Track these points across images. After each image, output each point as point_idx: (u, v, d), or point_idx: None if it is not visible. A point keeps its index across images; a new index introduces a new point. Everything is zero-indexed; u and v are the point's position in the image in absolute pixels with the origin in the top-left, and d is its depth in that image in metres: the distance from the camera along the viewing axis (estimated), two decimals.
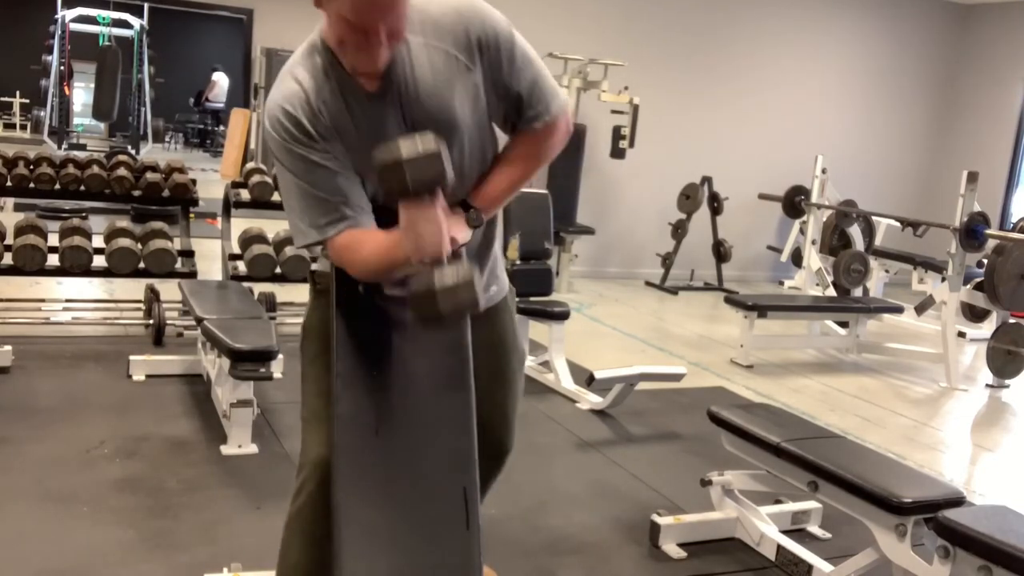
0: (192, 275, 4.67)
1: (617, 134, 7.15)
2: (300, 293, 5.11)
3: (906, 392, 5.30)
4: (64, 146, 11.55)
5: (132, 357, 4.13)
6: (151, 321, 4.70)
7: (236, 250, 4.95)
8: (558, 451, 3.76)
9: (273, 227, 4.97)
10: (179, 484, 3.08)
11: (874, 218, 7.57)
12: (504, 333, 2.06)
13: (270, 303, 4.87)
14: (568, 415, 4.19)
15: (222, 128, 14.66)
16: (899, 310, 6.00)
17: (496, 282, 2.03)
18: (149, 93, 12.69)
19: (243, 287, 4.55)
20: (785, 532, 2.97)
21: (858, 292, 6.69)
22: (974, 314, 6.70)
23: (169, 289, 4.75)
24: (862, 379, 5.45)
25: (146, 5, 12.92)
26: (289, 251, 4.80)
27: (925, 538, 2.41)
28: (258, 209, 5.01)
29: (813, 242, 6.89)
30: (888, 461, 2.94)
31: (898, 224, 7.18)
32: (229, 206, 5.02)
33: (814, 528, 3.15)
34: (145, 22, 12.58)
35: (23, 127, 14.37)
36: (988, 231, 5.57)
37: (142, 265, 4.54)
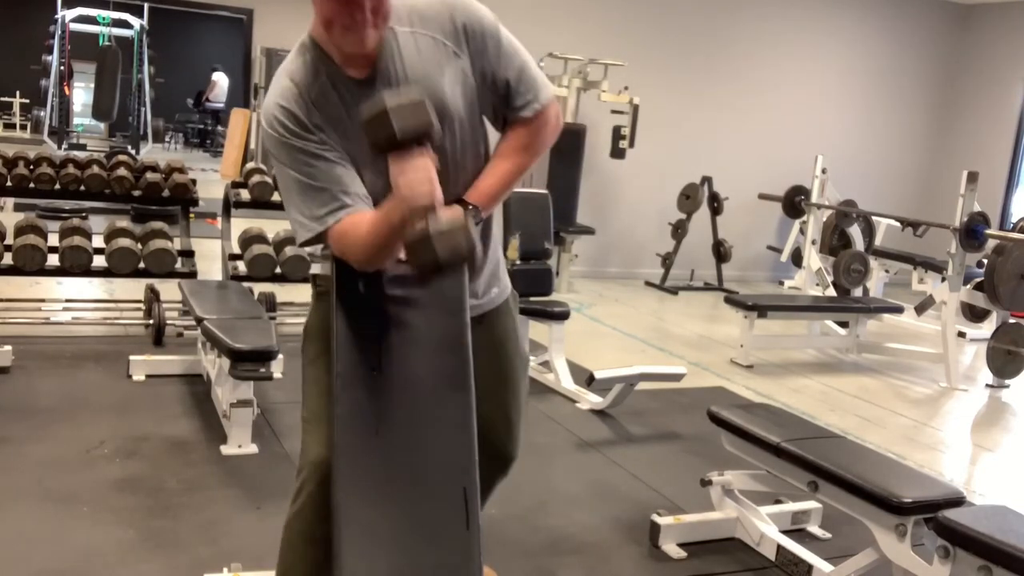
0: (192, 275, 4.67)
1: (617, 134, 7.15)
2: (300, 293, 5.12)
3: (906, 392, 5.30)
4: (64, 146, 11.54)
5: (132, 357, 4.13)
6: (151, 321, 4.70)
7: (236, 250, 4.95)
8: (558, 451, 3.76)
9: (273, 227, 4.98)
10: (179, 484, 3.08)
11: (874, 218, 7.57)
12: (506, 335, 2.05)
13: (270, 303, 4.86)
14: (568, 415, 4.19)
15: (222, 128, 14.66)
16: (899, 310, 6.00)
17: (497, 284, 2.03)
18: (149, 93, 12.69)
19: (243, 287, 4.56)
20: (785, 532, 2.97)
21: (858, 292, 6.69)
22: (974, 314, 6.70)
23: (169, 289, 4.75)
24: (862, 379, 5.45)
25: (146, 5, 12.92)
26: (289, 251, 4.80)
27: (925, 538, 2.41)
28: (258, 209, 5.01)
29: (813, 242, 6.89)
30: (888, 461, 2.94)
31: (898, 224, 7.17)
32: (229, 206, 5.02)
33: (814, 528, 3.15)
34: (145, 22, 12.59)
35: (23, 127, 14.37)
36: (988, 231, 5.57)
37: (142, 265, 4.54)
